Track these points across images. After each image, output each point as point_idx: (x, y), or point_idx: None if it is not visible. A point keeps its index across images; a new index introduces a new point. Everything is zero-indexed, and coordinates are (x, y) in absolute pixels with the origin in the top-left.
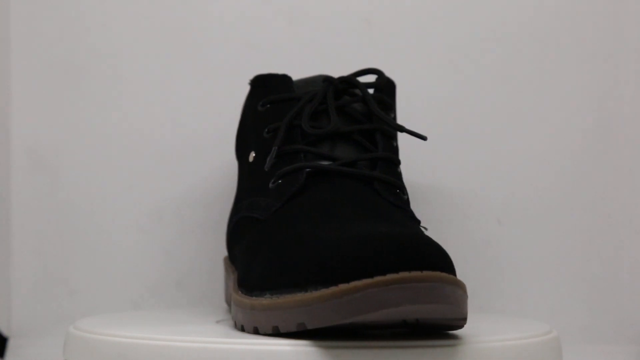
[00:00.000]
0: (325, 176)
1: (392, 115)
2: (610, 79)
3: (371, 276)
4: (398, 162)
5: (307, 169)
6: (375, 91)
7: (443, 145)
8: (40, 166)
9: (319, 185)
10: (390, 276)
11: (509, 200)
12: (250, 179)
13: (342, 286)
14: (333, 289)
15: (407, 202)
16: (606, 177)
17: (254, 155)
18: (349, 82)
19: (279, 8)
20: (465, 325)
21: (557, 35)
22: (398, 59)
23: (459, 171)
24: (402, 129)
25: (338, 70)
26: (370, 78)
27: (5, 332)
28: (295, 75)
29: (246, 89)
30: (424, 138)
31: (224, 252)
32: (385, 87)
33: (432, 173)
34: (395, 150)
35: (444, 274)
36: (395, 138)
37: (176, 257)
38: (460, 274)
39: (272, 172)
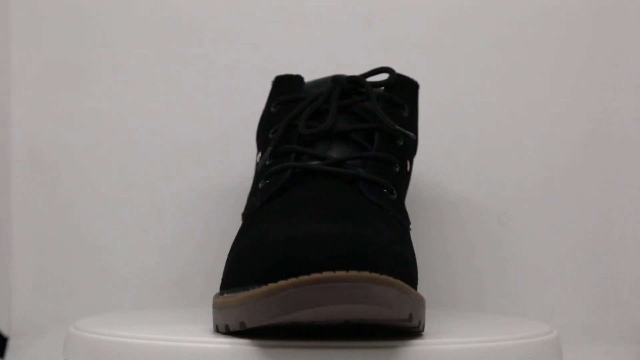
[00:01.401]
0: (311, 176)
1: (405, 114)
2: (610, 78)
3: (297, 276)
4: (394, 162)
5: (292, 169)
6: (385, 90)
7: (443, 145)
8: (40, 166)
9: (303, 185)
10: (313, 276)
11: (509, 200)
12: (253, 179)
13: (271, 285)
14: (263, 289)
15: (395, 201)
16: (606, 177)
17: (259, 155)
18: (357, 81)
19: (280, 8)
20: (417, 328)
21: (557, 35)
22: (398, 59)
23: (459, 171)
24: (393, 127)
25: (338, 70)
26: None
27: (5, 332)
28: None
29: (246, 89)
30: (411, 137)
31: (224, 252)
32: (398, 86)
33: (433, 173)
34: (395, 149)
35: (373, 275)
36: (399, 137)
37: (176, 257)
38: (460, 274)
39: (263, 172)
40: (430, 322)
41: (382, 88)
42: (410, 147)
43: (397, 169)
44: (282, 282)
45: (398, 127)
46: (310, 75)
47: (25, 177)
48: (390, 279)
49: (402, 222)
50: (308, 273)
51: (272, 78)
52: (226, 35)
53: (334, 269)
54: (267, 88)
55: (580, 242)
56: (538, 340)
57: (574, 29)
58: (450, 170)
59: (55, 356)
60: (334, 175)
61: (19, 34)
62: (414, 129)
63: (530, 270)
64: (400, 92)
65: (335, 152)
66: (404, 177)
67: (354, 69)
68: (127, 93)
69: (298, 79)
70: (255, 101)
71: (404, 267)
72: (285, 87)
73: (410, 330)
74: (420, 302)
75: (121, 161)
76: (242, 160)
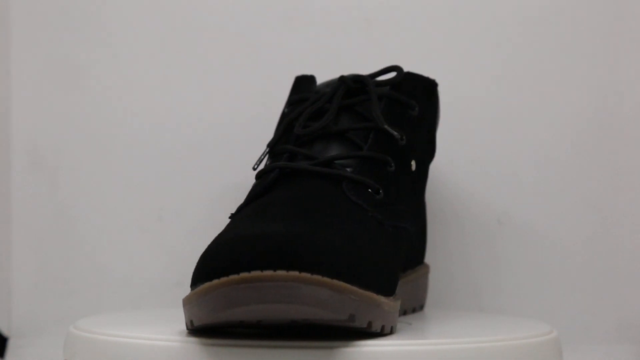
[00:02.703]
0: (298, 176)
1: (414, 114)
2: (611, 78)
3: (227, 275)
4: (387, 161)
5: (280, 169)
6: (391, 89)
7: (443, 145)
8: (40, 166)
9: (287, 185)
10: (242, 275)
11: (509, 200)
12: None
13: (206, 284)
14: (200, 288)
15: (380, 201)
16: (606, 177)
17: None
18: (362, 81)
19: (279, 8)
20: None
21: (557, 35)
22: (398, 58)
23: (459, 171)
24: (381, 126)
25: (338, 70)
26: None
27: (5, 332)
28: (293, 75)
29: (246, 88)
30: (396, 137)
31: None
32: (406, 85)
33: (433, 173)
34: (393, 149)
35: (303, 275)
36: (401, 137)
37: (176, 257)
38: (460, 274)
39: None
40: (430, 322)
41: (388, 87)
42: (418, 147)
43: (392, 169)
44: (215, 281)
45: (385, 126)
46: (306, 75)
47: (25, 177)
48: (322, 278)
49: (382, 222)
50: (239, 273)
51: (272, 78)
52: (225, 35)
53: (262, 269)
54: (267, 88)
55: (580, 242)
56: (538, 340)
57: (574, 28)
58: (450, 170)
59: (55, 356)
60: (319, 176)
61: (19, 34)
62: (426, 128)
63: (530, 270)
64: (409, 91)
65: (331, 152)
66: (404, 177)
67: (354, 69)
68: (127, 93)
69: (310, 79)
70: (255, 101)
71: (352, 267)
72: (299, 87)
73: (367, 332)
74: (371, 303)
75: (121, 161)
76: (242, 160)
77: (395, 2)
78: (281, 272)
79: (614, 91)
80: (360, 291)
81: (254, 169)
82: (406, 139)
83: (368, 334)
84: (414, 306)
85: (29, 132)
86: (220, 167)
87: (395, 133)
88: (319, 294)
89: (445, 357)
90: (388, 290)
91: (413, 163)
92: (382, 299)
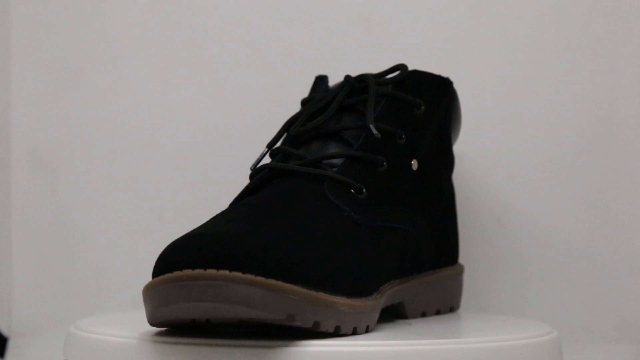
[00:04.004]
0: (285, 177)
1: (419, 112)
2: (612, 79)
3: (163, 274)
4: (377, 161)
5: (270, 170)
6: (394, 87)
7: None
8: (40, 166)
9: (272, 186)
10: (175, 273)
11: (509, 200)
12: None
13: (148, 282)
14: (145, 286)
15: (362, 201)
16: (606, 177)
17: None
18: (365, 80)
19: (279, 8)
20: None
21: (558, 35)
22: (398, 59)
23: (459, 171)
24: (366, 126)
25: (338, 70)
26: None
27: (5, 332)
28: (293, 75)
29: (246, 88)
30: (375, 134)
31: None
32: (411, 83)
33: None
34: (386, 148)
35: (233, 274)
36: (399, 136)
37: None
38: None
39: None
40: (430, 322)
41: (390, 86)
42: (423, 146)
43: (384, 168)
44: (154, 280)
45: (370, 125)
46: (309, 75)
47: (25, 177)
48: (255, 278)
49: (359, 222)
50: (172, 271)
51: (272, 78)
52: (226, 35)
53: (194, 268)
54: (267, 88)
55: (580, 242)
56: (538, 340)
57: (574, 28)
58: None
59: (55, 356)
60: (304, 176)
61: (19, 33)
62: (435, 126)
63: (530, 270)
64: (415, 89)
65: (325, 152)
66: (401, 177)
67: (354, 69)
68: (127, 93)
69: (323, 79)
70: (255, 101)
71: (292, 267)
72: (315, 87)
73: (317, 332)
74: (317, 303)
75: (121, 161)
76: (243, 160)
77: (395, 2)
78: (211, 271)
79: (615, 92)
80: (303, 291)
81: (252, 169)
82: (407, 137)
83: (317, 333)
84: (438, 308)
85: (29, 132)
86: (220, 167)
87: (374, 131)
88: (249, 293)
89: (445, 357)
90: (354, 290)
91: (414, 162)
92: (336, 298)
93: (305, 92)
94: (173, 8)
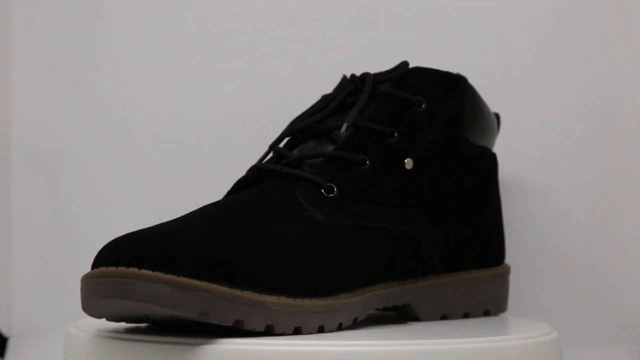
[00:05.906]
0: (268, 177)
1: (419, 110)
2: (612, 79)
3: (93, 269)
4: (357, 161)
5: (257, 169)
6: (393, 85)
7: None
8: (40, 166)
9: (256, 186)
10: (94, 271)
11: (509, 200)
12: None
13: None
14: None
15: (330, 201)
16: (606, 177)
17: None
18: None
19: (279, 8)
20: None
21: (558, 35)
22: (398, 59)
23: None
24: (349, 123)
25: (338, 70)
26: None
27: (5, 332)
28: (293, 75)
29: (246, 89)
30: (341, 134)
31: None
32: (412, 81)
33: None
34: (375, 146)
35: (141, 271)
36: (391, 135)
37: None
38: None
39: None
40: (430, 322)
41: (388, 84)
42: (421, 144)
43: (366, 167)
44: (82, 277)
45: (349, 124)
46: (309, 75)
47: (25, 177)
48: (164, 276)
49: (321, 222)
50: (98, 267)
51: (272, 78)
52: (226, 35)
53: (108, 265)
54: (268, 88)
55: (580, 243)
56: (538, 340)
57: (574, 28)
58: None
59: (55, 356)
60: (282, 176)
61: (19, 34)
62: (436, 125)
63: (530, 270)
64: (415, 87)
65: (316, 152)
66: (388, 176)
67: (354, 69)
68: (127, 93)
69: (345, 79)
70: (256, 101)
71: (208, 265)
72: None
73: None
74: (238, 301)
75: (121, 161)
76: (243, 160)
77: (395, 2)
78: (121, 269)
79: (615, 92)
80: (221, 289)
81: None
82: (401, 136)
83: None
84: (466, 311)
85: (29, 131)
86: (220, 167)
87: (342, 131)
88: (156, 291)
89: (446, 357)
90: (308, 290)
91: (408, 161)
92: (268, 298)
93: (305, 92)
94: (173, 8)
